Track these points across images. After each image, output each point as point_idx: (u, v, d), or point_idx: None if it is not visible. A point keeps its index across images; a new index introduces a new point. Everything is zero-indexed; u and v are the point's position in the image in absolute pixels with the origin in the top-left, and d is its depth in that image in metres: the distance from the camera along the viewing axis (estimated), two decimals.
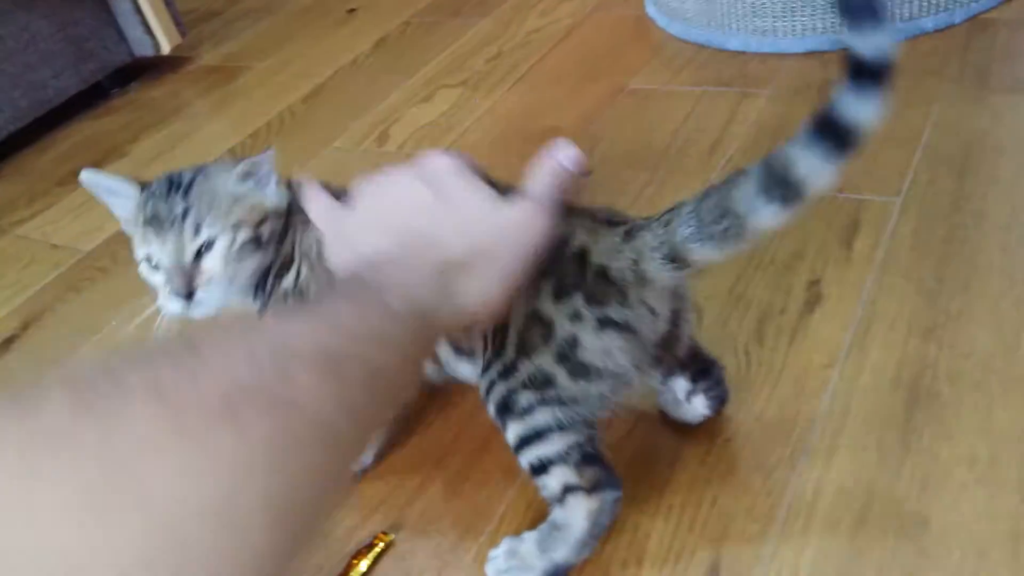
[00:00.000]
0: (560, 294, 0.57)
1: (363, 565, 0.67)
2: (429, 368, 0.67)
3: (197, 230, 0.64)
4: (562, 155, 0.57)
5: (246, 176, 0.67)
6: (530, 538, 0.64)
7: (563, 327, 0.57)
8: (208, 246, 0.65)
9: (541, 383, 0.58)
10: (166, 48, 1.75)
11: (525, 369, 0.58)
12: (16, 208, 1.44)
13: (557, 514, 0.62)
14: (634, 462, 0.70)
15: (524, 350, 0.58)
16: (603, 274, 0.57)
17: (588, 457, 0.60)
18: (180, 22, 1.76)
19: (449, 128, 1.28)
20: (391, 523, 0.71)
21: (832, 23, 1.20)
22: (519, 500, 0.70)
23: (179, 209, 0.64)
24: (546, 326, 0.57)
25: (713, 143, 1.07)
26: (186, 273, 0.64)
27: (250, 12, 2.02)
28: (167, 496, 0.29)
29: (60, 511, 0.26)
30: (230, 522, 0.30)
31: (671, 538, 0.64)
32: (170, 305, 0.65)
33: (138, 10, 1.70)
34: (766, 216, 0.54)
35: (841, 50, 0.49)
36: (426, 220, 0.53)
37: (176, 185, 0.66)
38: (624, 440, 0.72)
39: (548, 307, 0.57)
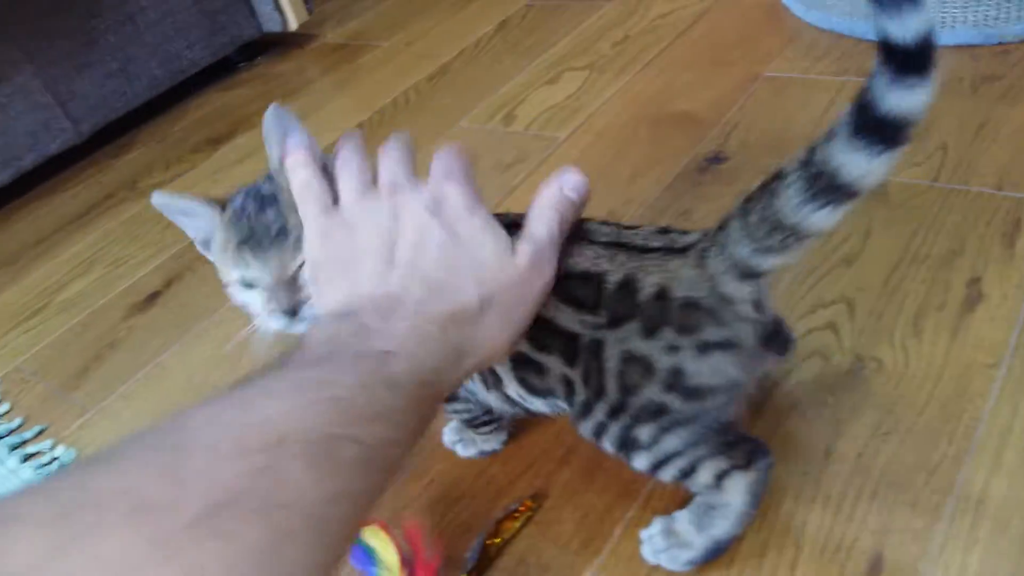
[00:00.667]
0: (649, 333, 0.55)
1: (512, 529, 0.68)
2: (502, 406, 0.68)
3: (298, 244, 0.59)
4: (568, 185, 0.57)
5: None
6: (683, 517, 0.63)
7: (662, 361, 0.55)
8: None
9: (655, 413, 0.57)
10: (293, 25, 1.79)
11: (635, 404, 0.57)
12: (153, 172, 1.50)
13: (711, 496, 0.61)
14: (788, 452, 0.69)
15: (627, 390, 0.57)
16: (690, 305, 0.55)
17: (730, 442, 0.59)
18: (308, 0, 1.81)
19: (576, 110, 1.28)
20: (535, 491, 0.72)
21: (984, 15, 1.15)
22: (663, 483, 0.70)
23: (276, 225, 0.60)
24: (643, 363, 0.56)
25: None
26: (291, 289, 0.60)
27: None
28: None
29: None
30: None
31: (830, 528, 0.63)
32: (273, 323, 0.62)
33: None
34: (821, 220, 0.51)
35: (921, 40, 0.44)
36: (439, 264, 0.49)
37: (268, 200, 0.62)
38: (774, 429, 0.71)
39: (640, 346, 0.55)
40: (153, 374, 1.01)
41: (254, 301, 0.62)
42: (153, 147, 1.61)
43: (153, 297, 1.15)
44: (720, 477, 0.59)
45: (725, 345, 0.55)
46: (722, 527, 0.61)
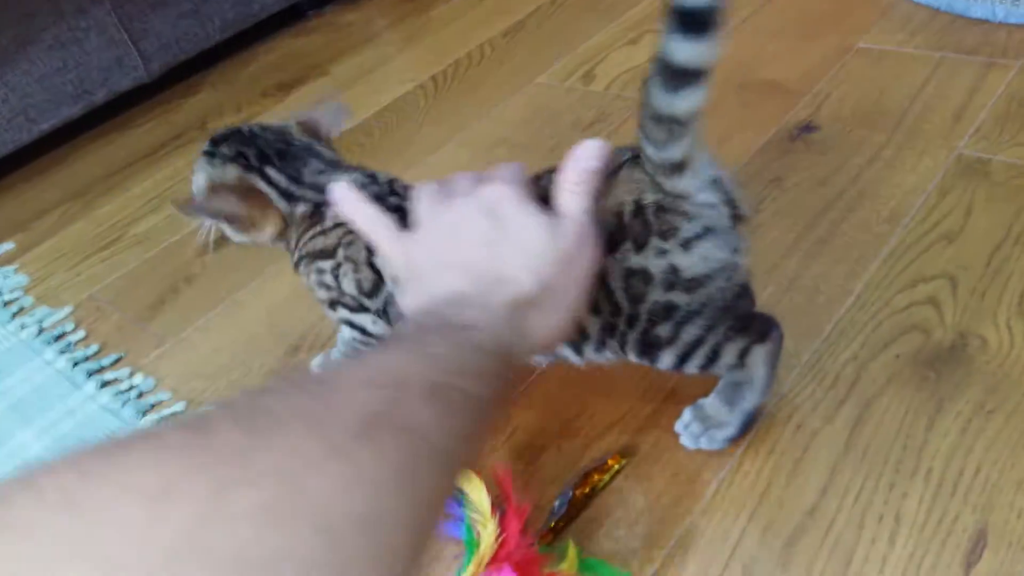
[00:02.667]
0: (640, 247, 0.60)
1: (601, 482, 0.68)
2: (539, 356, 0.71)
3: None
4: (587, 155, 0.58)
5: None
6: (712, 401, 0.68)
7: (656, 265, 0.59)
8: None
9: (667, 312, 0.61)
10: None
11: (645, 310, 0.61)
12: (224, 114, 1.50)
13: (736, 374, 0.65)
14: (886, 422, 0.68)
15: (636, 300, 0.61)
16: (660, 209, 0.59)
17: (742, 321, 0.63)
18: None
19: None
20: (622, 447, 0.71)
21: None
22: (760, 442, 0.69)
23: None
24: (642, 274, 0.60)
25: (957, 110, 1.01)
26: None
27: None
28: (329, 508, 0.31)
29: (247, 519, 0.29)
30: (380, 536, 0.33)
31: (931, 501, 0.62)
32: None
33: None
34: (685, 102, 0.55)
35: None
36: (491, 257, 0.54)
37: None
38: (871, 399, 0.70)
39: (635, 260, 0.60)
40: (230, 309, 1.01)
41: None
42: (222, 89, 1.61)
43: (226, 236, 1.15)
44: (742, 355, 0.64)
45: (703, 234, 0.59)
46: (751, 399, 0.67)
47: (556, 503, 0.67)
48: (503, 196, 0.56)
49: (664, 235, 0.59)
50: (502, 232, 0.54)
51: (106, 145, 1.52)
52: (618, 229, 0.60)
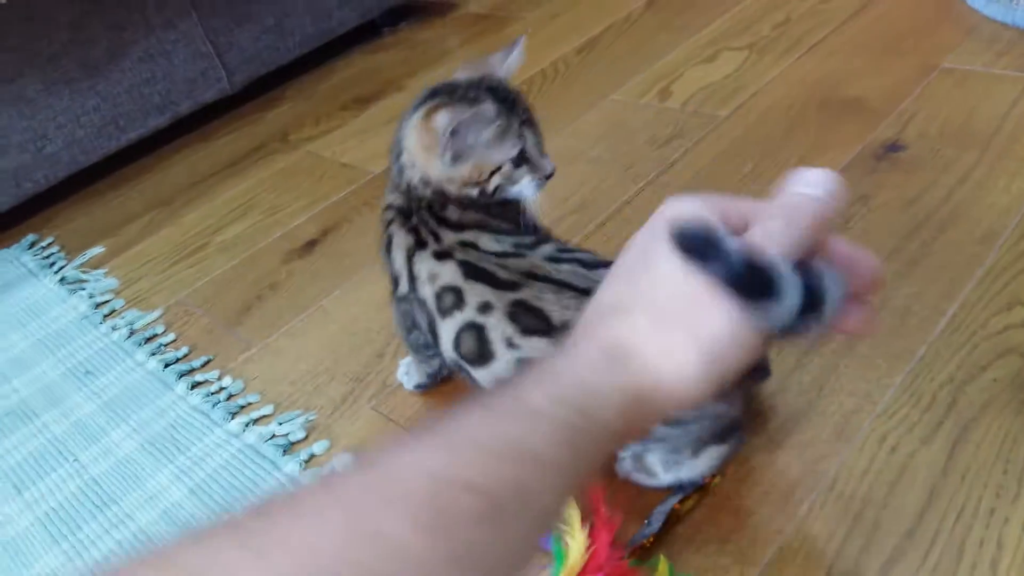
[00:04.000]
0: None
1: (694, 499, 0.68)
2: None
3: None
4: (809, 187, 0.41)
5: None
6: (655, 453, 0.68)
7: None
8: None
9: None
10: None
11: None
12: (303, 126, 1.54)
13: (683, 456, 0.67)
14: (985, 446, 0.67)
15: None
16: None
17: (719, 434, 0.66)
18: None
19: (737, 89, 1.26)
20: None
21: None
22: (854, 462, 0.68)
23: (529, 108, 0.73)
24: None
25: None
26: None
27: None
28: None
29: None
30: None
31: None
32: (536, 187, 0.73)
33: None
34: None
35: None
36: (618, 285, 0.42)
37: (509, 92, 0.72)
38: (967, 425, 0.69)
39: None
40: (315, 316, 1.04)
41: (522, 174, 0.71)
42: (301, 103, 1.65)
43: (311, 245, 1.19)
44: (697, 450, 0.66)
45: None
46: (687, 474, 0.67)
47: (648, 519, 0.67)
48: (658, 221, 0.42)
49: None
50: (640, 258, 0.42)
51: (190, 155, 1.57)
52: None
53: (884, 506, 0.64)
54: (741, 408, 0.66)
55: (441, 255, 0.70)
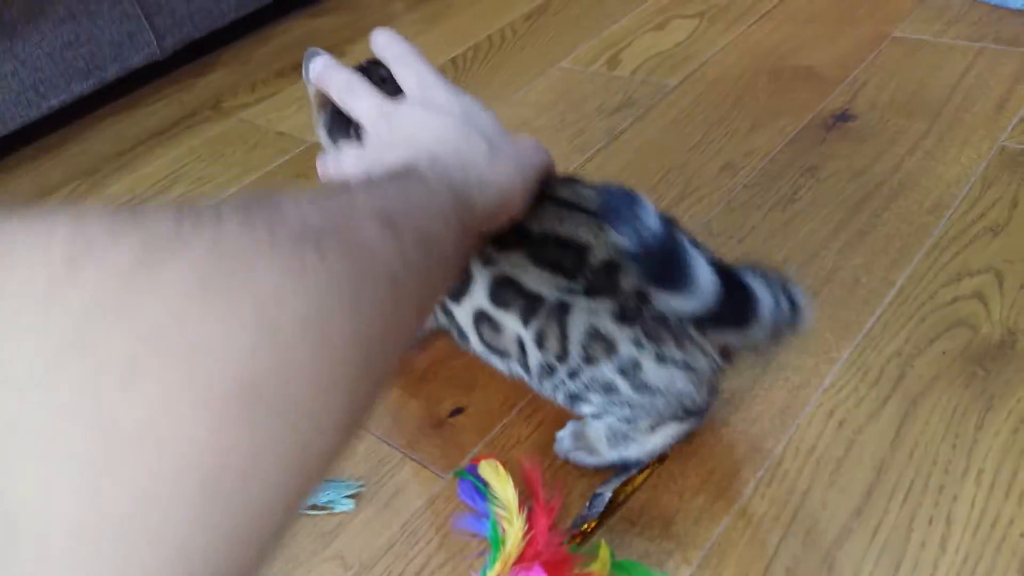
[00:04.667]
0: (622, 318, 0.57)
1: (635, 481, 0.65)
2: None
3: None
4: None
5: None
6: (598, 430, 0.64)
7: (627, 348, 0.57)
8: None
9: (607, 388, 0.60)
10: None
11: (590, 375, 0.59)
12: (238, 93, 1.47)
13: (636, 432, 0.63)
14: (934, 421, 0.65)
15: (588, 359, 0.59)
16: (658, 316, 0.57)
17: (680, 414, 0.61)
18: None
19: (687, 58, 1.22)
20: None
21: None
22: (800, 439, 0.66)
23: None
24: (608, 343, 0.58)
25: (999, 101, 0.98)
26: None
27: None
28: (272, 298, 0.27)
29: (179, 288, 0.26)
30: (325, 340, 0.29)
31: (984, 503, 0.59)
32: None
33: None
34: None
35: None
36: (452, 128, 0.55)
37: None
38: (918, 398, 0.67)
39: (609, 326, 0.57)
40: None
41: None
42: (236, 69, 1.58)
43: None
44: (654, 426, 0.62)
45: (682, 365, 0.57)
46: (635, 453, 0.63)
47: (589, 503, 0.64)
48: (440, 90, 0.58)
49: (650, 336, 0.57)
50: (471, 125, 0.55)
51: (117, 123, 1.48)
52: (601, 275, 0.58)
53: (831, 484, 0.62)
54: (711, 396, 0.62)
55: None
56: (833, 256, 0.82)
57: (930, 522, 0.58)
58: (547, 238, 0.59)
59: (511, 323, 0.61)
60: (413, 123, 0.55)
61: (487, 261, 0.61)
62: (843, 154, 0.95)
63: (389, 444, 0.74)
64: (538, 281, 0.59)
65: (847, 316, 0.75)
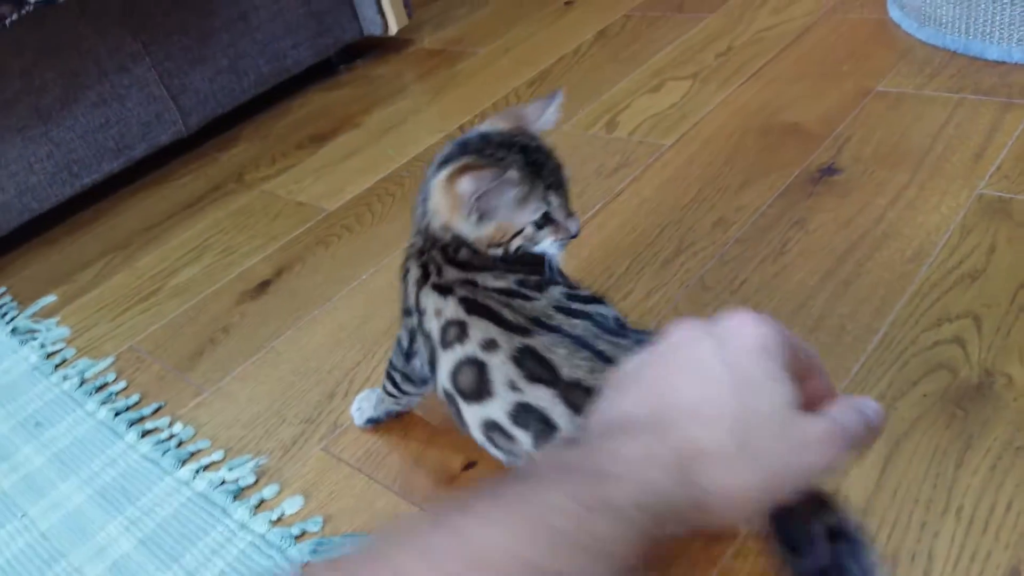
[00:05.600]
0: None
1: None
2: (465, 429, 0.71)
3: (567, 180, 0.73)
4: (871, 410, 0.45)
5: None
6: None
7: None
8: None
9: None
10: (394, 29, 1.84)
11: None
12: (259, 166, 1.55)
13: None
14: (916, 461, 0.68)
15: None
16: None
17: None
18: (408, 4, 1.85)
19: (681, 118, 1.28)
20: None
21: None
22: None
23: (558, 167, 0.71)
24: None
25: (978, 151, 1.03)
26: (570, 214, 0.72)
27: (467, 0, 2.10)
28: None
29: None
30: None
31: (963, 538, 0.62)
32: (559, 247, 0.72)
33: None
34: None
35: None
36: (701, 393, 0.42)
37: (539, 151, 0.70)
38: (905, 439, 0.71)
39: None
40: (267, 358, 1.04)
41: (544, 235, 0.70)
42: (258, 142, 1.66)
43: (264, 285, 1.19)
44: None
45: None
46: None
47: None
48: (754, 343, 0.42)
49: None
50: (734, 378, 0.41)
51: (146, 198, 1.57)
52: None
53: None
54: None
55: (442, 289, 0.70)
56: (820, 305, 0.86)
57: (913, 558, 0.62)
58: (577, 384, 0.61)
59: (524, 439, 0.64)
60: (689, 355, 0.43)
61: (512, 387, 0.64)
62: (829, 207, 1.00)
63: (406, 499, 0.79)
64: (563, 418, 0.62)
65: (834, 362, 0.79)
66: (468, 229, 0.69)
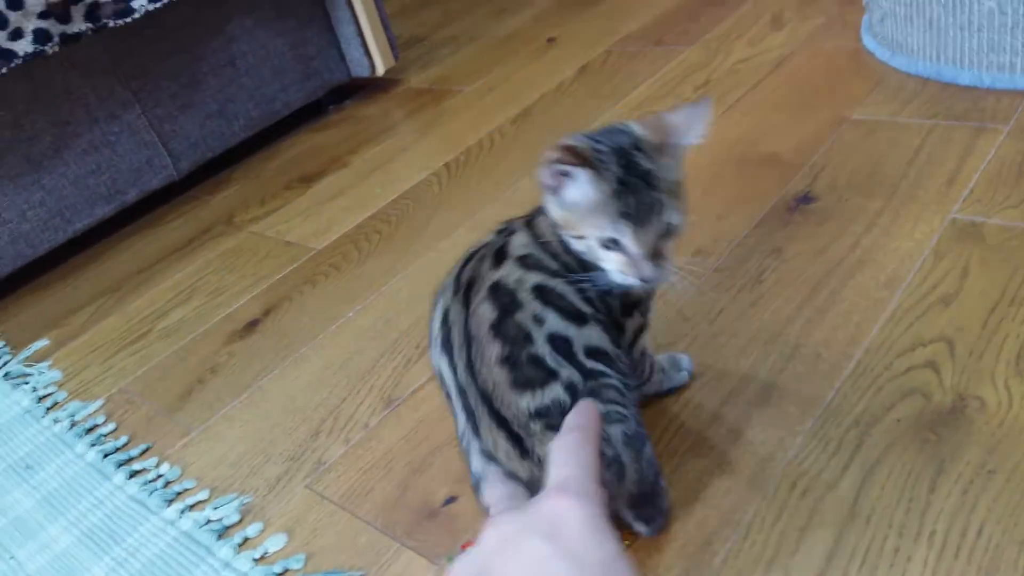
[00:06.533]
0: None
1: None
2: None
3: (668, 223, 0.67)
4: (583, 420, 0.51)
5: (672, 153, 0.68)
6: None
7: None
8: (669, 234, 0.68)
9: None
10: (381, 70, 1.87)
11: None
12: (249, 207, 1.57)
13: None
14: (889, 486, 0.69)
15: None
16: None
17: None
18: (395, 46, 1.88)
19: None
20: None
21: None
22: (767, 510, 0.70)
23: (656, 204, 0.66)
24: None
25: (950, 175, 1.04)
26: (656, 258, 0.67)
27: (452, 40, 2.13)
28: None
29: None
30: None
31: (936, 563, 0.62)
32: (628, 282, 0.68)
33: (359, 33, 1.83)
34: None
35: None
36: None
37: (648, 177, 0.66)
38: (878, 465, 0.71)
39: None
40: (254, 398, 1.05)
41: (612, 260, 0.68)
42: (248, 185, 1.69)
43: (252, 324, 1.20)
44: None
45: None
46: None
47: None
48: (573, 519, 0.42)
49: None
50: (577, 569, 0.40)
51: (138, 242, 1.59)
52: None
53: (794, 552, 0.66)
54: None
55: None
56: (796, 333, 0.87)
57: None
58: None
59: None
60: (526, 560, 0.41)
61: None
62: (805, 235, 1.01)
63: (387, 535, 0.79)
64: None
65: (810, 390, 0.80)
66: (545, 201, 0.70)
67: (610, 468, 0.65)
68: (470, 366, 0.67)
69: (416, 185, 1.46)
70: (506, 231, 0.74)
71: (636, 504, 0.68)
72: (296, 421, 0.98)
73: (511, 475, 0.66)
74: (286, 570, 0.79)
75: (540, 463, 0.64)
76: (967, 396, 0.75)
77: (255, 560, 0.81)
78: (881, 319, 0.86)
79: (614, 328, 0.72)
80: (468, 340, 0.67)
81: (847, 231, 1.00)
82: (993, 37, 1.17)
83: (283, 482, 0.90)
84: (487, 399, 0.66)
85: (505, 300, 0.67)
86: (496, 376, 0.65)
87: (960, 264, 0.90)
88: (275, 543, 0.83)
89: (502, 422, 0.66)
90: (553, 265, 0.70)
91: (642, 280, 0.67)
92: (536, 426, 0.64)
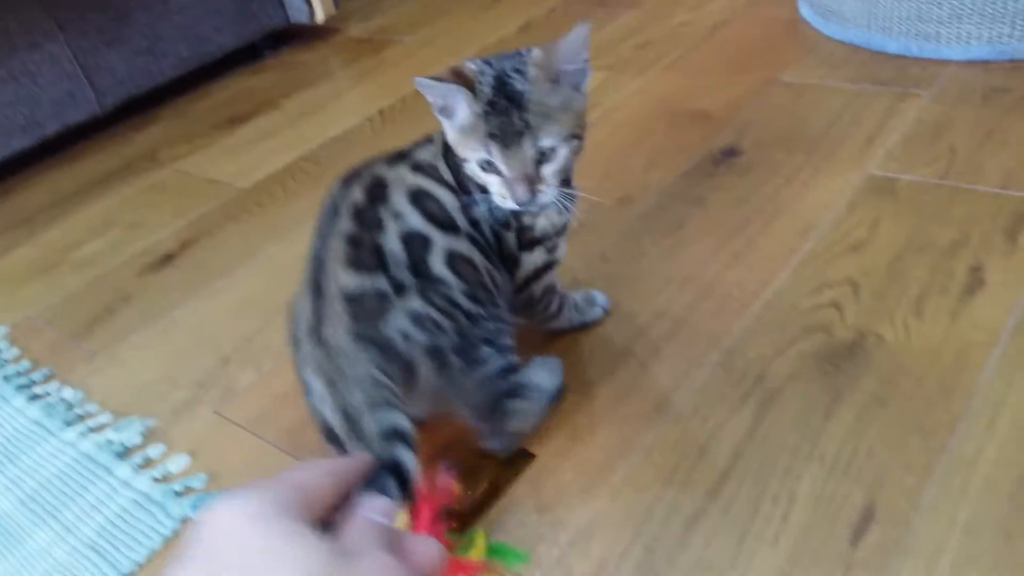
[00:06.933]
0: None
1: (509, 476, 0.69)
2: None
3: (539, 147, 0.65)
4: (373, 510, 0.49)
5: (559, 78, 0.66)
6: None
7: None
8: (546, 158, 0.66)
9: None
10: (320, 17, 1.83)
11: None
12: (174, 145, 1.53)
13: None
14: (787, 413, 0.71)
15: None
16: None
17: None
18: None
19: (595, 105, 1.31)
20: (534, 441, 0.73)
21: (998, 33, 1.18)
22: (668, 433, 0.71)
23: (522, 127, 0.64)
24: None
25: (871, 135, 1.07)
26: (526, 183, 0.66)
27: None
28: None
29: None
30: None
31: (824, 481, 0.64)
32: (507, 205, 0.68)
33: None
34: None
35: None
36: None
37: (517, 99, 0.64)
38: (778, 394, 0.73)
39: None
40: (165, 327, 1.02)
41: (492, 182, 0.67)
42: (175, 123, 1.64)
43: (168, 258, 1.17)
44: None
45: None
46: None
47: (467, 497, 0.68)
48: (231, 532, 0.41)
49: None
50: None
51: (55, 175, 1.53)
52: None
53: (692, 470, 0.67)
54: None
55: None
56: (711, 275, 0.88)
57: (775, 499, 0.64)
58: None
59: None
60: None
61: None
62: (728, 186, 1.03)
63: (294, 456, 0.78)
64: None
65: (718, 326, 0.81)
66: (443, 126, 0.69)
67: (403, 370, 0.64)
68: (323, 236, 0.68)
69: (349, 130, 1.44)
70: (423, 140, 0.74)
71: (481, 417, 0.69)
72: (206, 350, 0.96)
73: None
74: (187, 488, 0.78)
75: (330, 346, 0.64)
76: (867, 333, 0.77)
77: (155, 479, 0.80)
78: (793, 263, 0.87)
79: (500, 258, 0.73)
80: (334, 213, 0.68)
81: (768, 183, 1.02)
82: (921, 7, 1.20)
83: (189, 407, 0.88)
84: (320, 265, 0.67)
85: (377, 192, 0.68)
86: (336, 249, 0.66)
87: (872, 215, 0.92)
88: (177, 464, 0.81)
89: (317, 292, 0.65)
90: (448, 178, 0.70)
91: (517, 203, 0.66)
92: (339, 307, 0.64)
